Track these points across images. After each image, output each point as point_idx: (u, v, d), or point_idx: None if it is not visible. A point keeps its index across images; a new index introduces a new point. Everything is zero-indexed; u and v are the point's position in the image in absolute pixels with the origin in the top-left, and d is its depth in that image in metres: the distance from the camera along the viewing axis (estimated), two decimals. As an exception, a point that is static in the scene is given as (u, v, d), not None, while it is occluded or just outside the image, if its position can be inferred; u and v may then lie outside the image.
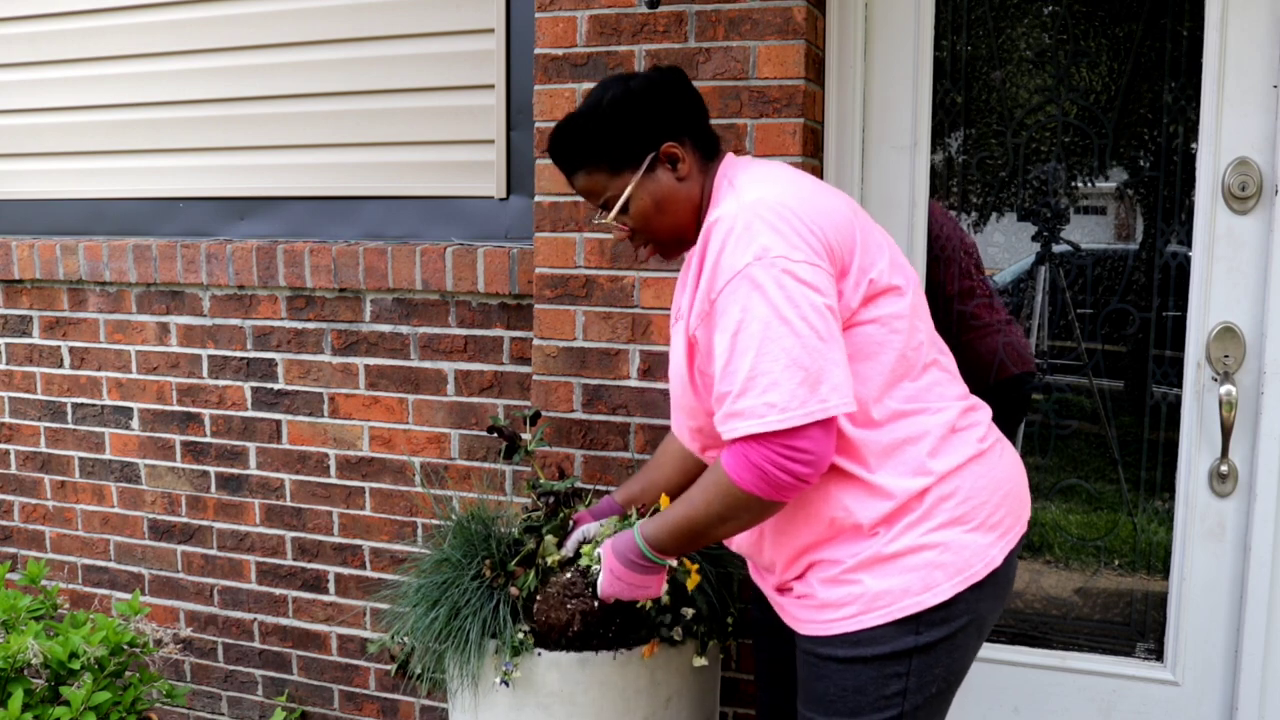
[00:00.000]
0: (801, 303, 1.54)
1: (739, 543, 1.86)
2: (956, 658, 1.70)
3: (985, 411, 1.81)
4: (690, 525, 1.69)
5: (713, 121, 2.49)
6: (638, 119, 1.74)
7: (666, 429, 2.62)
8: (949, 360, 1.82)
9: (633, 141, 1.74)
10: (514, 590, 2.20)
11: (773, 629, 1.97)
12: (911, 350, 1.69)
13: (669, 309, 2.59)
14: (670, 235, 1.80)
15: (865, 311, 1.65)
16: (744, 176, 1.71)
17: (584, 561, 2.09)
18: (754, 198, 1.62)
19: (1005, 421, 2.47)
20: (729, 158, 1.81)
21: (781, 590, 1.82)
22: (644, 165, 1.75)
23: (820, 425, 1.53)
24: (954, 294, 2.62)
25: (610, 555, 1.84)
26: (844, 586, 1.67)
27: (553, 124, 2.63)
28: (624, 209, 1.78)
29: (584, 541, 2.11)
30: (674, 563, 1.78)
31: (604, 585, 1.86)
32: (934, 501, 1.66)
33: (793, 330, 1.53)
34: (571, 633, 2.12)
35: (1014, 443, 2.62)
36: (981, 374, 2.61)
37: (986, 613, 1.71)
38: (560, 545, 2.20)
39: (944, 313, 2.63)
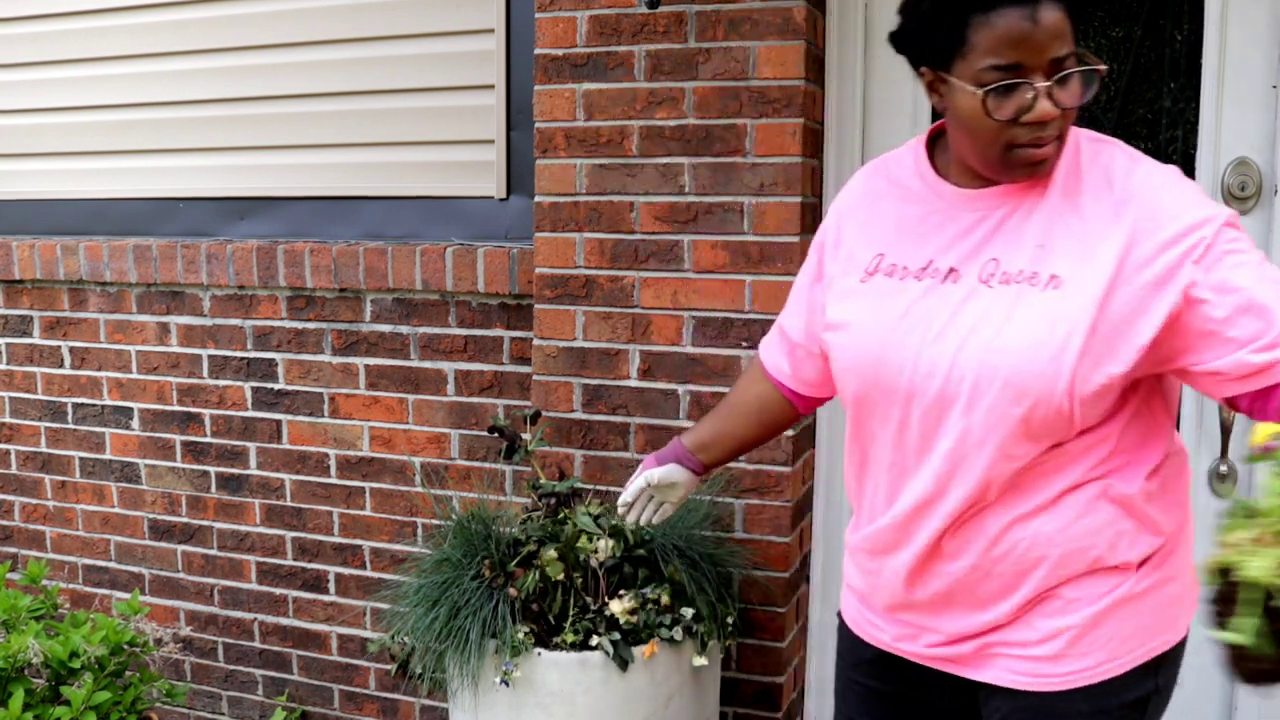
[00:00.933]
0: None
1: (934, 584, 1.53)
2: (1172, 691, 1.56)
3: None
4: None
5: (712, 122, 2.49)
6: None
7: (666, 429, 2.62)
8: None
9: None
10: (513, 591, 2.21)
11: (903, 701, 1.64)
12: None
13: (669, 309, 2.59)
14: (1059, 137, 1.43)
15: None
16: (1108, 141, 1.48)
17: None
18: (1167, 167, 1.44)
19: None
20: None
21: (977, 635, 1.52)
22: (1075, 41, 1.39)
23: None
24: None
25: None
26: (1092, 634, 1.46)
27: (553, 124, 2.64)
28: (1068, 79, 1.37)
29: (647, 486, 1.87)
30: None
31: None
32: (1175, 531, 1.51)
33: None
34: None
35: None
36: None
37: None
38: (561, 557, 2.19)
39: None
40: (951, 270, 1.47)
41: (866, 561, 1.61)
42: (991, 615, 1.49)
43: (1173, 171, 1.43)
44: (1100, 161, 1.44)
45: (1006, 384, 1.38)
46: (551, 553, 2.22)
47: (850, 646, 1.70)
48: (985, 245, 1.46)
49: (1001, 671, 1.50)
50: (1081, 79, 1.37)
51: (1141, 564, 1.47)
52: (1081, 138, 1.47)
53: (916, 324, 1.47)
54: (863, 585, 1.65)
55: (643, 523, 1.91)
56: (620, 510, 1.92)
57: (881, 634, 1.63)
